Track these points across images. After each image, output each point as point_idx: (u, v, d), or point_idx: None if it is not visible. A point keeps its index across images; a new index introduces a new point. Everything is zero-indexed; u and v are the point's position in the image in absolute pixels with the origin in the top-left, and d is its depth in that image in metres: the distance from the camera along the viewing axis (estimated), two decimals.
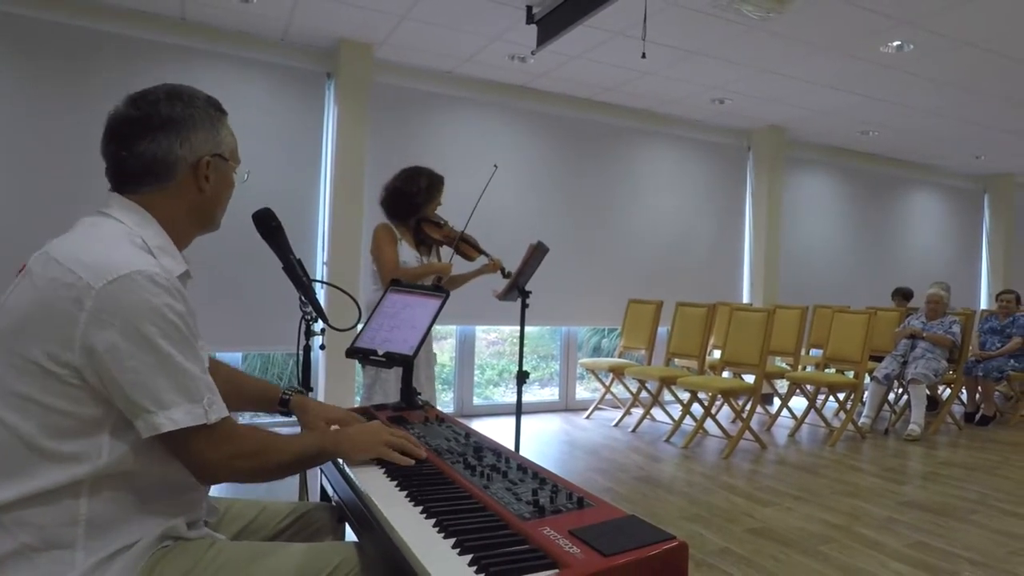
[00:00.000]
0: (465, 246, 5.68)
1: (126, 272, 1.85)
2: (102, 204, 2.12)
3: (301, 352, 3.42)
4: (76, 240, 1.99)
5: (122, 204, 2.09)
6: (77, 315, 1.82)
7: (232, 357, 8.60)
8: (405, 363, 3.26)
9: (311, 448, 2.24)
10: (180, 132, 2.11)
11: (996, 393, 10.65)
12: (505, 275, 5.81)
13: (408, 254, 5.47)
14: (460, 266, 5.76)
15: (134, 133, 2.09)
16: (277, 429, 2.31)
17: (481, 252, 5.75)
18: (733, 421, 9.23)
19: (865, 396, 9.77)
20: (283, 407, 2.88)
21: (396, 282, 3.67)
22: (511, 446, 3.08)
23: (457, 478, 2.26)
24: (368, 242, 5.69)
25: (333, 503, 2.75)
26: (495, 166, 5.72)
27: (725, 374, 9.50)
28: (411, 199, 5.48)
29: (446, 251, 5.73)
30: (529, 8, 7.41)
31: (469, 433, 2.87)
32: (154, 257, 2.00)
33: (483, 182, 5.67)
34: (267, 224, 3.04)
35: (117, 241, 1.97)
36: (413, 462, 2.39)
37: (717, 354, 9.66)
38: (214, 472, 2.03)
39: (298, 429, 2.68)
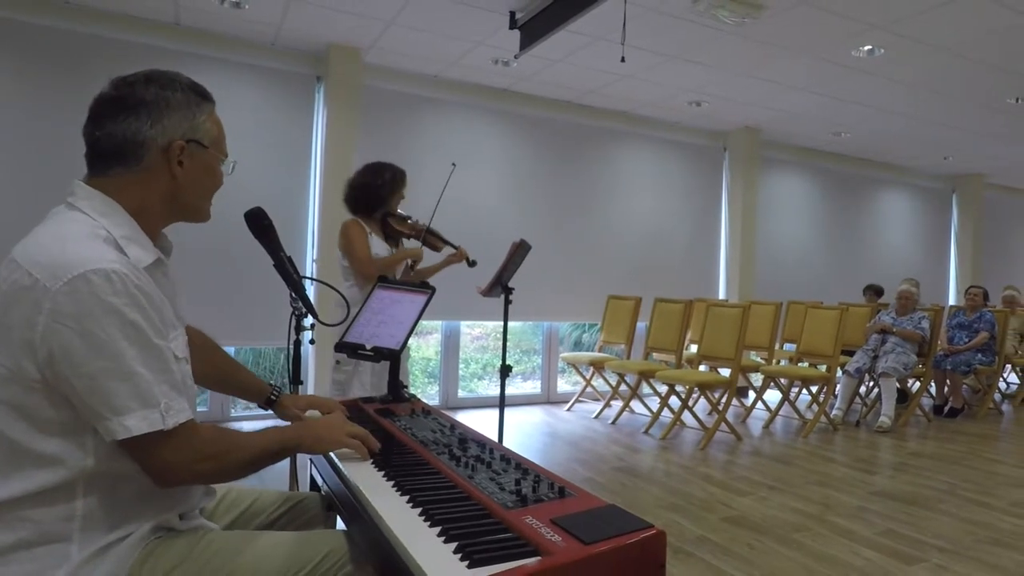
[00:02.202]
0: (432, 238, 5.67)
1: (80, 272, 1.79)
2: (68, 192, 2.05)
3: (291, 347, 3.42)
4: (37, 238, 1.92)
5: (87, 192, 2.03)
6: (36, 319, 1.78)
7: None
8: (392, 357, 3.27)
9: (273, 444, 2.16)
10: (152, 114, 2.05)
11: (964, 386, 10.69)
12: (471, 264, 5.81)
13: (380, 247, 5.45)
14: (428, 258, 5.78)
15: (107, 113, 2.04)
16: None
17: (447, 243, 5.76)
18: (709, 413, 9.26)
19: (837, 389, 9.79)
20: (269, 406, 2.89)
21: (383, 279, 3.68)
22: (495, 437, 3.09)
23: (442, 468, 2.27)
24: None
25: (323, 492, 2.75)
26: (453, 164, 5.72)
27: (702, 368, 9.51)
28: (377, 191, 5.44)
29: (413, 244, 5.74)
30: (512, 14, 7.42)
31: (454, 425, 2.88)
32: (119, 249, 1.94)
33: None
34: (259, 223, 3.03)
35: (77, 236, 1.90)
36: (370, 457, 2.38)
37: (694, 348, 9.69)
38: (175, 476, 1.96)
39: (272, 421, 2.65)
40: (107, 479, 1.92)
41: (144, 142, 2.05)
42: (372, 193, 5.47)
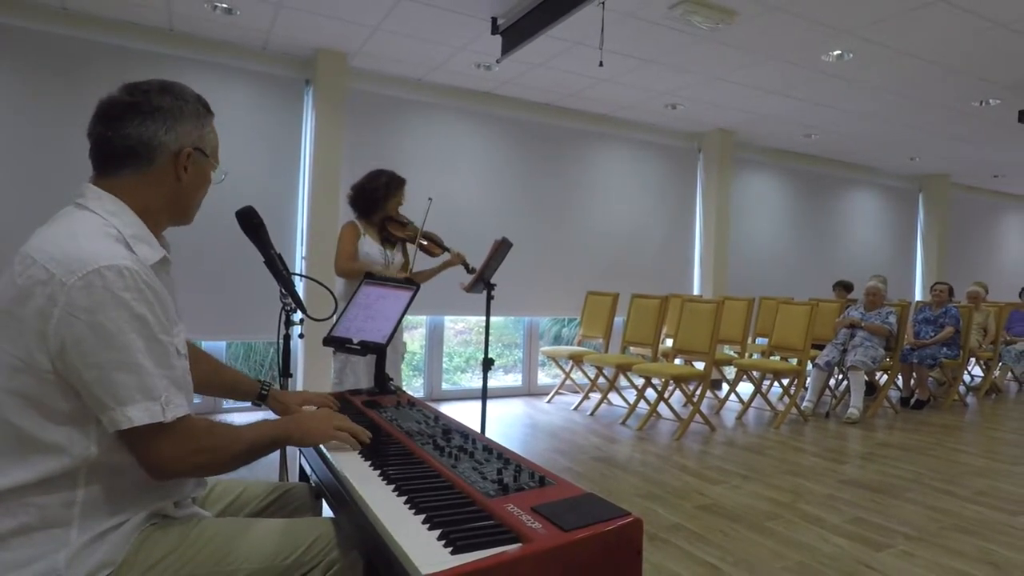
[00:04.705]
0: (428, 243, 5.73)
1: (94, 267, 1.82)
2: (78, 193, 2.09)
3: (281, 341, 3.42)
4: (51, 235, 1.95)
5: (96, 193, 2.05)
6: (51, 311, 1.80)
7: (216, 346, 8.59)
8: (379, 351, 3.28)
9: (264, 438, 2.19)
10: (167, 121, 2.09)
11: (929, 379, 10.73)
12: (469, 270, 5.87)
13: (372, 247, 5.57)
14: (424, 262, 5.86)
15: (123, 116, 2.06)
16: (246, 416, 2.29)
17: (444, 249, 5.81)
18: (684, 405, 9.26)
19: (808, 382, 9.86)
20: (260, 401, 2.90)
21: (370, 275, 3.69)
22: (477, 428, 3.10)
23: (427, 458, 2.29)
24: None
25: (312, 482, 2.75)
26: (430, 199, 5.74)
27: (677, 361, 9.53)
28: (372, 195, 5.61)
29: (412, 247, 5.77)
30: (494, 20, 7.41)
31: (438, 416, 2.89)
32: (128, 247, 1.96)
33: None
34: (250, 221, 3.03)
35: (90, 234, 1.93)
36: (359, 447, 2.40)
37: (670, 342, 9.71)
38: (171, 468, 1.98)
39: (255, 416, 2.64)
40: (108, 468, 1.93)
41: (158, 146, 2.09)
42: (368, 197, 5.64)
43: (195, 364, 2.69)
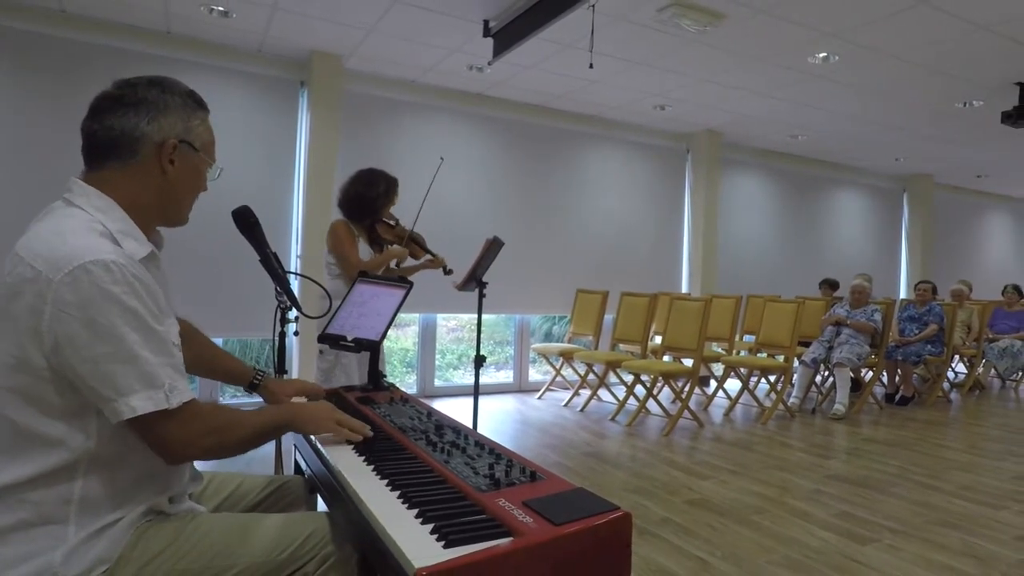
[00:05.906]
0: (413, 245, 5.71)
1: (80, 263, 1.80)
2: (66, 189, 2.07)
3: (276, 338, 3.42)
4: (38, 233, 1.94)
5: (83, 190, 2.04)
6: (42, 308, 1.79)
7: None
8: (372, 348, 3.28)
9: (270, 423, 2.21)
10: (150, 112, 2.07)
11: (914, 376, 10.74)
12: (446, 272, 5.85)
13: (364, 250, 5.47)
14: (408, 260, 5.83)
15: (108, 108, 2.06)
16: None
17: (427, 251, 5.78)
18: (673, 401, 9.28)
19: (794, 378, 9.86)
20: (252, 389, 2.90)
21: (364, 274, 3.69)
22: (469, 424, 3.10)
23: (420, 453, 2.28)
24: None
25: (306, 476, 2.75)
26: (441, 158, 5.71)
27: (666, 358, 9.54)
28: (372, 203, 5.46)
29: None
30: (486, 22, 7.41)
31: (431, 412, 2.88)
32: (115, 242, 1.95)
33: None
34: (246, 220, 3.03)
35: (76, 230, 1.91)
36: (360, 438, 2.40)
37: (658, 340, 9.72)
38: (182, 452, 1.98)
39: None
40: (106, 463, 1.93)
41: (140, 137, 2.07)
42: (366, 204, 5.48)
43: (195, 346, 2.70)
